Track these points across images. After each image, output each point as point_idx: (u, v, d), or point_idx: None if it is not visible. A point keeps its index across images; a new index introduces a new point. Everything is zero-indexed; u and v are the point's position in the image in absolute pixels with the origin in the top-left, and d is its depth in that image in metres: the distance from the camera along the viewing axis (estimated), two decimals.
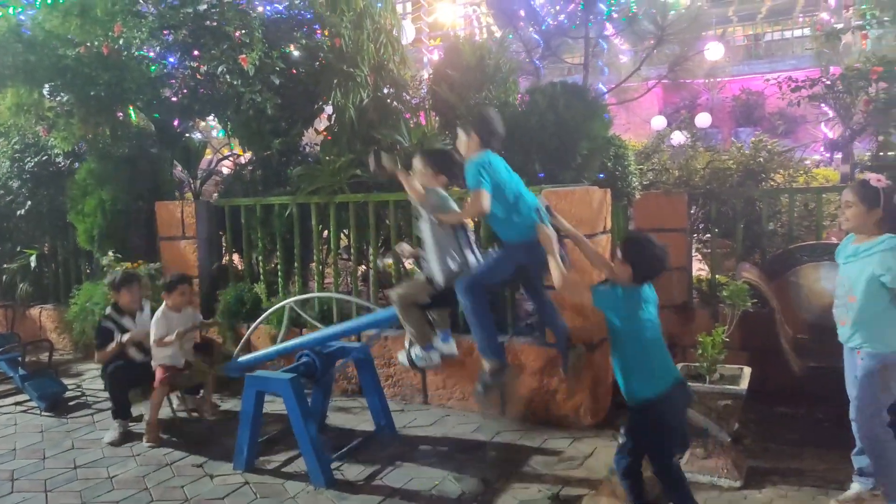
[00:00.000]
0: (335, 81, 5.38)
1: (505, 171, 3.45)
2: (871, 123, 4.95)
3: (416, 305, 3.54)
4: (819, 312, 4.65)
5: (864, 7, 5.15)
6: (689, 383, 3.73)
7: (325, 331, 4.17)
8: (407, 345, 3.68)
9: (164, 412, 4.67)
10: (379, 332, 4.53)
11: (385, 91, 5.70)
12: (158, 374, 4.46)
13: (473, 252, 3.57)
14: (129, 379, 4.59)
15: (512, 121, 4.78)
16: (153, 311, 4.72)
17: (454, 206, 3.61)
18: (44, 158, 6.59)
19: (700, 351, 3.86)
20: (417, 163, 3.59)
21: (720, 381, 3.95)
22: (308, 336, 4.17)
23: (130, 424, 4.57)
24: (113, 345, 4.54)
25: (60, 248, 6.96)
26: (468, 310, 3.36)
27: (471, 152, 3.45)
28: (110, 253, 5.55)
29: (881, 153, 4.87)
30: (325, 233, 5.58)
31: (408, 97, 5.93)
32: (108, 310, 4.75)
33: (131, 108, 5.95)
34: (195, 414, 4.80)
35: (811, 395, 4.41)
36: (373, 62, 5.50)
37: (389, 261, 4.98)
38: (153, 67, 5.48)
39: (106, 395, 5.22)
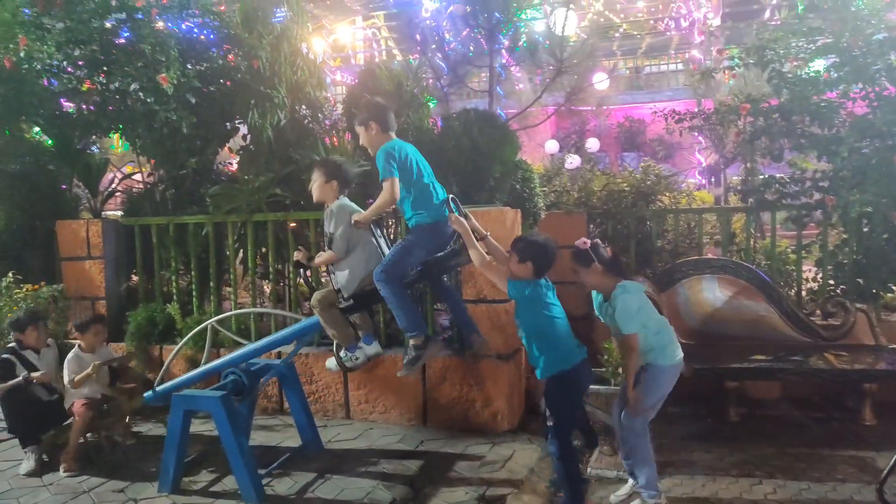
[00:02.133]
0: (252, 102, 5.42)
1: (412, 152, 3.65)
2: (741, 153, 5.64)
3: (335, 307, 3.72)
4: (701, 320, 5.24)
5: (734, 50, 5.87)
6: (596, 387, 4.13)
7: (249, 347, 4.18)
8: (335, 349, 3.86)
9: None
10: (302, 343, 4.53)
11: (302, 112, 5.80)
12: (77, 405, 4.29)
13: (387, 244, 3.77)
14: (28, 406, 4.39)
15: (429, 145, 5.05)
16: (60, 349, 4.56)
17: (356, 207, 3.84)
18: None
19: (606, 357, 4.26)
20: (316, 175, 3.79)
21: (622, 384, 4.36)
22: (233, 354, 4.17)
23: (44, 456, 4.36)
24: (18, 380, 4.31)
25: None
26: (388, 297, 3.53)
27: (375, 142, 3.63)
28: (10, 274, 5.25)
29: (748, 178, 5.55)
30: (241, 252, 5.58)
31: (323, 118, 6.05)
32: (12, 342, 4.52)
33: (32, 122, 5.67)
34: (108, 440, 4.64)
35: (696, 395, 4.93)
36: (290, 84, 5.59)
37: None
38: (56, 81, 5.29)
39: (3, 425, 4.96)
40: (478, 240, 3.51)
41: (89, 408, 4.28)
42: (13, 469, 4.25)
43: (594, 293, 3.64)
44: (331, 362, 3.91)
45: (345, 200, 3.80)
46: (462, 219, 3.50)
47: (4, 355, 4.43)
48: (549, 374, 3.34)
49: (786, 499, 3.70)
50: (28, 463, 4.22)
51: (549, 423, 3.35)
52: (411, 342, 3.66)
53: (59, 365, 4.57)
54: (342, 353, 3.82)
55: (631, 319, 3.37)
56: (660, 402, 3.57)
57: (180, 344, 4.36)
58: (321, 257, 3.80)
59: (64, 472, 4.13)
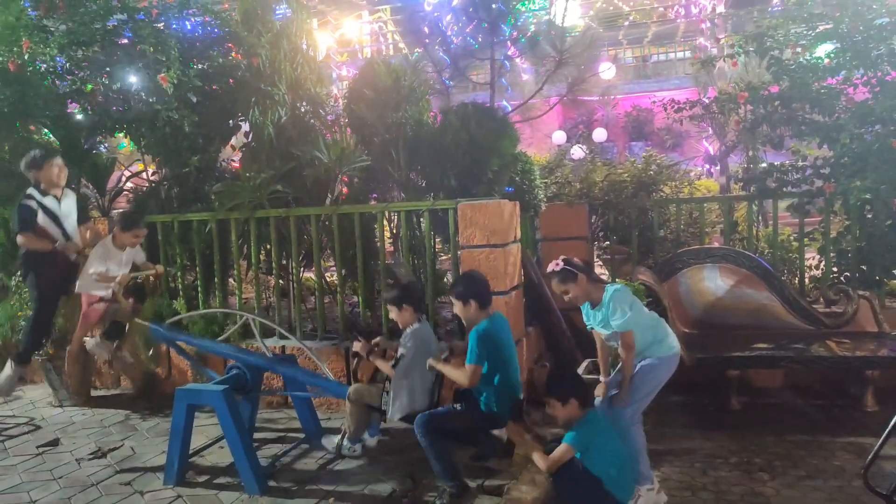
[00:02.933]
0: (253, 100, 5.48)
1: (505, 335, 3.65)
2: (742, 141, 5.62)
3: (365, 407, 3.90)
4: (703, 309, 5.24)
5: (735, 38, 5.84)
6: (595, 376, 4.16)
7: (259, 359, 4.32)
8: (340, 436, 4.10)
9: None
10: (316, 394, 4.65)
11: (302, 109, 5.85)
12: (86, 302, 4.43)
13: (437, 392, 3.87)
14: (52, 272, 4.68)
15: (428, 139, 5.09)
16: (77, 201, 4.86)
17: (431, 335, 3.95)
18: None
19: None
20: (390, 307, 3.93)
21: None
22: (240, 350, 4.29)
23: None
24: (50, 244, 4.56)
25: None
26: (425, 446, 3.53)
27: (473, 318, 3.63)
28: (20, 272, 5.36)
29: (750, 166, 5.53)
30: (245, 248, 5.65)
31: (324, 114, 6.10)
32: (30, 189, 4.68)
33: (38, 124, 5.76)
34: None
35: (698, 384, 4.94)
36: (290, 81, 5.64)
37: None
38: (61, 83, 5.38)
39: (14, 421, 5.10)
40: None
41: (97, 312, 4.41)
42: (25, 463, 4.36)
43: (583, 306, 3.64)
44: (329, 442, 4.18)
45: (422, 327, 3.87)
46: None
47: (24, 203, 4.57)
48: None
49: (783, 485, 3.71)
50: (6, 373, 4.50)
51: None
52: (447, 489, 3.57)
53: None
54: (345, 442, 4.06)
55: (625, 317, 3.39)
56: (653, 394, 3.58)
57: (225, 333, 4.53)
58: (381, 364, 3.89)
59: (67, 366, 4.32)
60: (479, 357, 3.48)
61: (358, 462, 4.13)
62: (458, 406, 3.71)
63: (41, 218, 4.67)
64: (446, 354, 3.82)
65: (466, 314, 3.64)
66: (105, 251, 4.51)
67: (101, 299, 4.55)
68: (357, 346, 4.03)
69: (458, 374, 3.56)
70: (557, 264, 3.48)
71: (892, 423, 3.08)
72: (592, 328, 3.64)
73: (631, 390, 3.48)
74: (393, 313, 3.90)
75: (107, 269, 4.46)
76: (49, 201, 4.69)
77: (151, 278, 5.25)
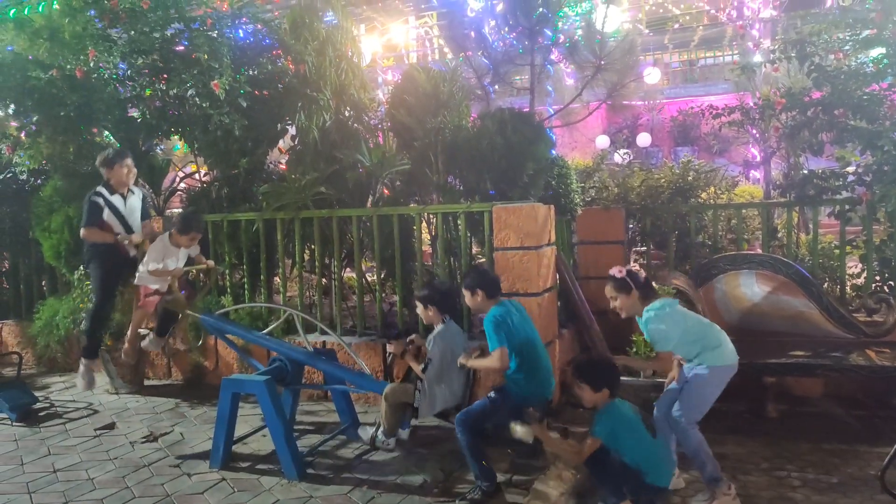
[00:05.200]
0: (299, 104, 5.72)
1: (516, 317, 3.75)
2: (782, 147, 5.58)
3: (401, 405, 4.09)
4: (739, 315, 5.23)
5: (777, 43, 5.81)
6: (625, 378, 4.22)
7: (299, 353, 4.49)
8: (375, 428, 4.27)
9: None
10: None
11: (346, 113, 6.06)
12: (141, 294, 4.83)
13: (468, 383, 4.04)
14: (113, 264, 5.03)
15: (466, 143, 5.23)
16: (143, 199, 5.26)
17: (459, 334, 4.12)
18: (8, 176, 6.70)
19: (634, 349, 4.35)
20: (418, 307, 4.11)
21: (652, 376, 4.44)
22: (282, 344, 4.51)
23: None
24: (112, 237, 4.93)
25: (22, 264, 7.04)
26: (462, 442, 3.65)
27: (482, 307, 3.83)
28: (81, 268, 5.72)
29: (790, 173, 5.48)
30: (290, 247, 5.89)
31: (367, 119, 6.31)
32: (100, 187, 5.05)
33: (101, 127, 6.13)
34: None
35: (734, 390, 4.91)
36: (334, 87, 5.86)
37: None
38: (122, 89, 5.72)
39: (74, 405, 5.44)
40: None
41: (152, 303, 4.76)
42: (84, 444, 4.66)
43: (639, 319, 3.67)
44: (364, 433, 4.37)
45: (447, 328, 4.02)
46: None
47: (92, 199, 4.94)
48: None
49: (813, 492, 3.70)
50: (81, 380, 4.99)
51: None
52: (482, 486, 3.67)
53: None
54: (379, 434, 4.23)
55: (663, 339, 3.44)
56: (706, 405, 3.58)
57: (269, 327, 4.85)
58: (413, 365, 4.06)
59: (125, 357, 4.74)
60: (498, 340, 3.62)
61: (392, 454, 4.29)
62: (492, 394, 3.80)
63: (106, 214, 5.02)
64: (477, 353, 3.94)
65: (474, 303, 3.84)
66: (163, 247, 4.82)
67: (157, 292, 4.85)
68: (391, 346, 4.20)
69: (487, 361, 3.70)
70: (620, 271, 3.53)
71: None
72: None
73: (681, 398, 3.53)
74: (419, 310, 4.09)
75: (164, 264, 4.76)
76: (116, 199, 5.05)
77: (202, 275, 5.55)
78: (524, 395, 3.71)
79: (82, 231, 5.05)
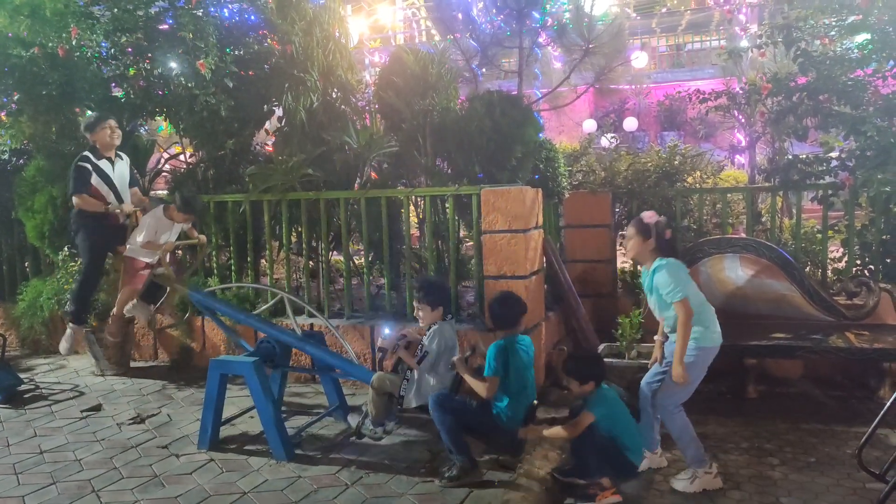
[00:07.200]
0: (286, 85, 5.67)
1: (519, 360, 3.75)
2: (767, 132, 5.63)
3: (387, 395, 4.05)
4: (723, 298, 5.29)
5: (763, 28, 5.83)
6: (610, 359, 4.28)
7: (292, 337, 4.50)
8: (362, 418, 4.18)
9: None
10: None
11: (333, 95, 6.02)
12: (131, 267, 4.84)
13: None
14: (101, 234, 5.02)
15: (454, 126, 5.23)
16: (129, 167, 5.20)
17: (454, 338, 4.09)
18: None
19: (620, 332, 4.40)
20: (419, 307, 4.06)
21: (637, 358, 4.50)
22: (272, 328, 4.51)
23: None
24: (104, 206, 4.91)
25: (5, 245, 6.96)
26: (437, 421, 3.70)
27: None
28: (66, 248, 5.67)
29: (775, 157, 5.54)
30: (277, 229, 5.87)
31: (354, 100, 6.27)
32: (86, 152, 5.02)
33: (83, 107, 6.04)
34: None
35: (715, 370, 5.00)
36: (322, 68, 5.82)
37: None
38: (105, 68, 5.64)
39: (60, 387, 5.42)
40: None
41: (142, 278, 4.81)
42: (70, 425, 4.66)
43: (643, 270, 3.72)
44: (354, 420, 4.30)
45: (448, 325, 4.04)
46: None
47: (79, 163, 4.90)
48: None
49: (791, 470, 3.80)
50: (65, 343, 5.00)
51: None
52: (458, 460, 3.71)
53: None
54: (366, 424, 4.14)
55: (678, 285, 3.43)
56: (692, 386, 3.64)
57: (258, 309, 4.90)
58: (406, 356, 4.04)
59: (108, 335, 4.62)
60: (495, 370, 3.67)
61: (380, 434, 4.31)
62: (473, 403, 3.84)
63: (94, 179, 4.98)
64: (469, 353, 3.96)
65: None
66: (156, 221, 4.80)
67: (147, 265, 4.85)
68: (382, 343, 4.25)
69: (478, 386, 3.72)
70: (652, 217, 3.55)
71: (885, 406, 3.16)
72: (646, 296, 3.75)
73: (665, 380, 3.60)
74: (423, 312, 4.04)
75: (156, 238, 4.77)
76: (104, 164, 5.03)
77: (189, 255, 5.53)
78: (501, 421, 3.77)
79: (74, 199, 5.00)
